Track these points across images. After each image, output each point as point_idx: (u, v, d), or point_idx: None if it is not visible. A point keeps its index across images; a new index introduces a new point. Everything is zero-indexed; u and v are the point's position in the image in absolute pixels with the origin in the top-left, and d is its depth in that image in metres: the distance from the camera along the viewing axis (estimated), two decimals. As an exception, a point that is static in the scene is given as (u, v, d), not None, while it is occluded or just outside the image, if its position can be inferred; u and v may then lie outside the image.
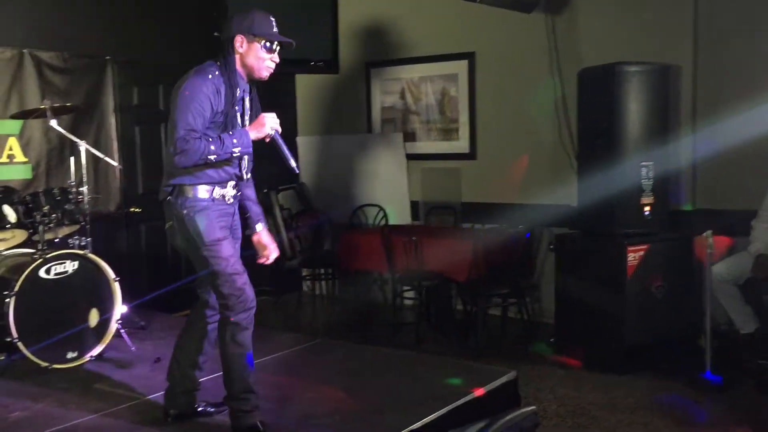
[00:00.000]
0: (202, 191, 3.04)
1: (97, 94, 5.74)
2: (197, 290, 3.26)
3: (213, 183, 3.06)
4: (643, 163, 4.77)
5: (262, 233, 3.34)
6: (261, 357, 4.26)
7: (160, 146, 6.17)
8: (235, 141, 2.95)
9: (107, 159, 4.87)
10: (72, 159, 4.64)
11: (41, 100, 5.15)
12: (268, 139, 3.05)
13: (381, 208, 6.73)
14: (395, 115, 6.80)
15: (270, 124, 3.01)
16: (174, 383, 3.32)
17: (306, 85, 7.29)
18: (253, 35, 3.02)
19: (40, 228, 4.09)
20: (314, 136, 7.21)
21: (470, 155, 6.34)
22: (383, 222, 6.62)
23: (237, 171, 3.14)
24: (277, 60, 3.09)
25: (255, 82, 3.17)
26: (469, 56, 6.25)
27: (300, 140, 7.28)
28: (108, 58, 5.76)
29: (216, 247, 3.03)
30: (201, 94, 2.93)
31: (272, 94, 7.07)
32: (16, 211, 4.11)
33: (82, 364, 4.04)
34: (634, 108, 4.78)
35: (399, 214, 6.66)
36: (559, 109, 5.58)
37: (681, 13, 5.15)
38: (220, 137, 2.94)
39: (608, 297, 4.71)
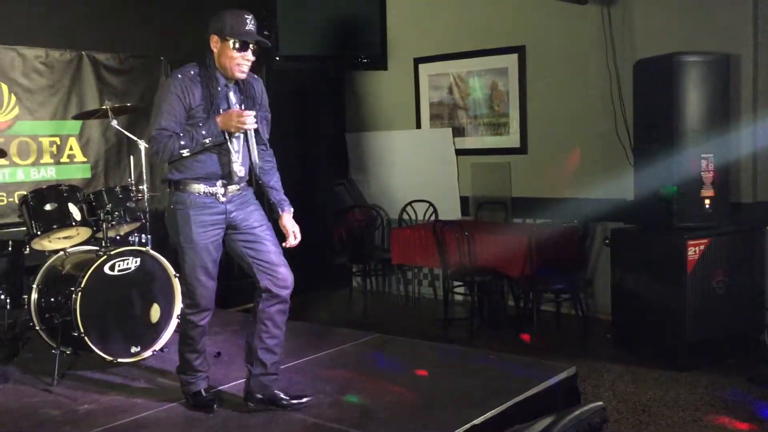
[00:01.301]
0: (189, 187, 3.20)
1: (152, 94, 5.83)
2: (253, 279, 3.35)
3: (198, 179, 3.19)
4: (703, 155, 4.67)
5: (283, 217, 3.44)
6: (317, 352, 4.31)
7: (213, 144, 6.26)
8: (204, 132, 3.11)
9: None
10: (131, 158, 4.74)
11: (99, 100, 5.29)
12: (240, 132, 3.17)
13: (430, 204, 6.72)
14: (443, 111, 6.78)
15: (236, 122, 3.10)
16: (250, 370, 3.40)
17: (354, 81, 7.31)
18: (224, 35, 3.12)
19: (104, 225, 4.18)
20: (363, 133, 7.23)
21: (521, 150, 6.28)
22: (432, 217, 6.61)
23: (227, 169, 3.21)
24: (251, 58, 3.18)
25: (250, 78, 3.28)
26: (519, 50, 6.19)
27: (348, 137, 7.31)
28: (162, 58, 5.87)
29: (186, 250, 3.23)
30: (169, 94, 3.13)
31: (320, 91, 7.18)
32: (81, 209, 4.21)
33: (145, 358, 4.12)
34: (693, 99, 4.67)
35: (449, 210, 6.64)
36: (614, 101, 5.49)
37: (740, 2, 5.01)
38: (190, 131, 3.11)
39: (668, 292, 4.61)
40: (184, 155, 3.13)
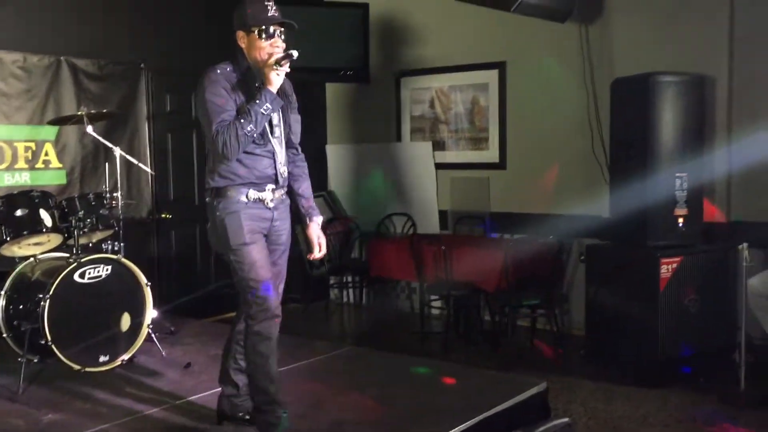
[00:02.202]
0: (237, 193, 3.03)
1: (131, 101, 5.81)
2: (242, 296, 3.15)
3: (247, 184, 3.04)
4: (678, 174, 4.71)
5: (311, 227, 3.30)
6: (291, 363, 4.28)
7: (192, 153, 6.24)
8: (258, 102, 2.93)
9: (141, 165, 4.94)
10: (106, 165, 4.71)
11: (77, 106, 5.24)
12: (288, 69, 2.99)
13: (409, 217, 6.72)
14: (425, 125, 6.80)
15: (270, 68, 2.94)
16: (222, 389, 3.30)
17: (336, 93, 7.32)
18: (248, 27, 3.00)
19: (75, 232, 4.14)
20: (343, 145, 7.24)
21: (500, 165, 6.30)
22: (411, 231, 6.61)
23: (272, 171, 3.08)
24: (281, 45, 3.01)
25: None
26: (500, 66, 6.23)
27: (329, 149, 7.31)
28: (142, 65, 5.84)
29: (241, 251, 3.01)
30: (215, 88, 2.95)
31: (302, 102, 7.16)
32: (52, 215, 4.17)
33: (114, 367, 4.07)
34: (669, 118, 4.72)
35: (427, 223, 6.65)
36: (591, 119, 5.54)
37: (716, 24, 5.08)
38: (245, 109, 2.93)
39: (641, 309, 4.64)
40: (249, 133, 2.91)
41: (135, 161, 4.88)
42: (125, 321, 4.13)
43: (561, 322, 5.65)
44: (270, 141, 3.08)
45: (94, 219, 4.26)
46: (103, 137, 4.84)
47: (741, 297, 4.47)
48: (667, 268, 4.59)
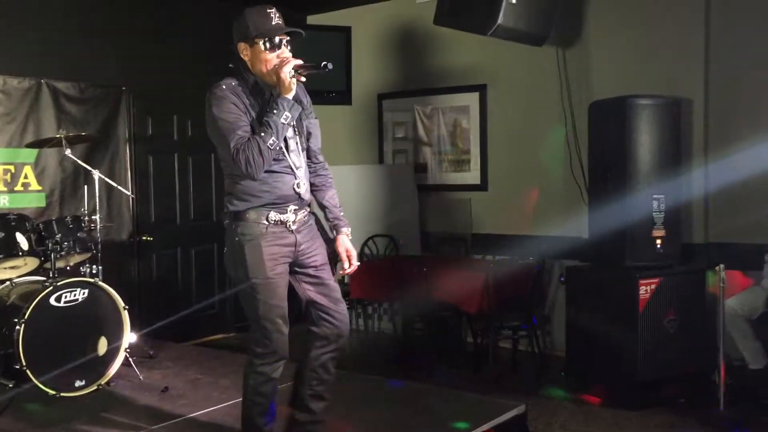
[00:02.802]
0: (258, 215, 2.85)
1: (112, 124, 5.81)
2: (311, 323, 3.05)
3: (268, 205, 2.86)
4: (655, 196, 4.75)
5: (339, 239, 3.09)
6: (269, 387, 4.24)
7: (174, 176, 6.24)
8: (276, 112, 2.76)
9: (120, 188, 4.93)
10: (86, 188, 4.70)
11: (57, 129, 5.23)
12: (304, 78, 2.85)
13: (391, 239, 6.73)
14: (407, 147, 6.83)
15: (285, 74, 2.76)
16: (296, 417, 3.11)
17: (318, 115, 7.32)
18: (251, 39, 2.83)
19: (52, 256, 4.11)
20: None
21: (481, 186, 6.34)
22: (393, 252, 6.61)
23: (293, 188, 2.89)
24: (288, 55, 2.83)
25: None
26: (481, 88, 6.29)
27: (312, 170, 7.32)
28: (123, 88, 5.85)
29: (258, 286, 2.84)
30: (224, 104, 2.78)
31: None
32: (29, 238, 4.15)
33: (90, 392, 4.03)
34: (646, 140, 4.77)
35: (409, 245, 6.65)
36: (570, 141, 5.59)
37: (692, 47, 5.16)
38: (264, 122, 2.76)
39: (620, 330, 4.65)
40: (272, 146, 2.73)
41: (114, 184, 4.87)
42: (102, 345, 4.09)
43: (543, 344, 5.65)
44: (286, 156, 2.90)
45: (71, 242, 4.24)
46: (84, 160, 4.84)
47: (719, 318, 4.49)
48: (645, 289, 4.61)
